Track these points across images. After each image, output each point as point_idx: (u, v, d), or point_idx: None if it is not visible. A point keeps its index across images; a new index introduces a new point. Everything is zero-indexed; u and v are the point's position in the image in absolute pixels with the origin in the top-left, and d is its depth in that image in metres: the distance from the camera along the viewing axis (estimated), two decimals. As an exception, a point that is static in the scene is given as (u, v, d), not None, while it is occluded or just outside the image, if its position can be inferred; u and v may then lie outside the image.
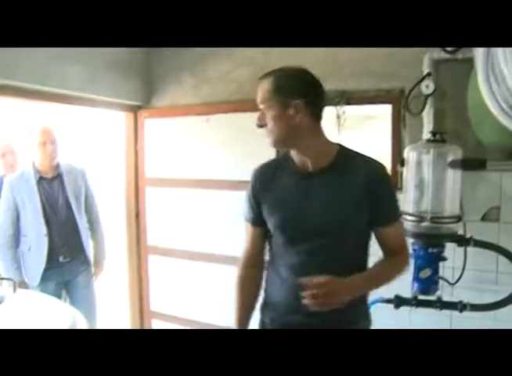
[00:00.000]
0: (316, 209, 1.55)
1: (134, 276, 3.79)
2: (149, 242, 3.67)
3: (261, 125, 1.58)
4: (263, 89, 1.55)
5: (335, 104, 2.90)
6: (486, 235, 2.45)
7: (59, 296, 3.01)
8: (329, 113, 3.00)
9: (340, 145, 1.64)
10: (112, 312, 4.02)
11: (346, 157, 1.58)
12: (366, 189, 1.52)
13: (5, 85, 2.62)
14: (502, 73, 1.21)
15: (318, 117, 1.57)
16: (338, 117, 2.93)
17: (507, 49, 1.20)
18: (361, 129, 3.02)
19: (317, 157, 1.57)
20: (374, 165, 1.59)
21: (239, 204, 3.17)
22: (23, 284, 2.89)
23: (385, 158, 2.99)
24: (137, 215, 3.69)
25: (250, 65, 3.17)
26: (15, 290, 2.04)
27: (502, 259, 2.41)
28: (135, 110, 3.63)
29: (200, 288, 3.45)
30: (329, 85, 2.88)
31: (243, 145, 3.15)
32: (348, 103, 2.86)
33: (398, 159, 2.55)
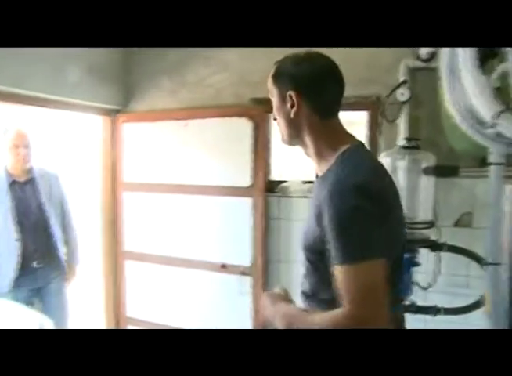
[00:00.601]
0: (306, 221, 1.37)
1: (110, 282, 3.75)
2: (125, 247, 3.65)
3: (275, 118, 1.40)
4: (269, 78, 1.37)
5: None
6: (459, 240, 2.50)
7: (31, 303, 2.97)
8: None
9: (351, 146, 1.30)
10: (88, 318, 3.97)
11: (338, 164, 1.26)
12: (319, 211, 1.22)
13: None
14: (465, 81, 1.24)
15: (322, 113, 1.31)
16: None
17: (467, 51, 1.24)
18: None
19: (319, 160, 1.33)
20: (336, 178, 1.21)
21: (216, 208, 3.21)
22: None
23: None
24: (114, 220, 3.66)
25: (227, 70, 3.19)
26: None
27: (474, 264, 2.46)
28: (112, 114, 3.60)
29: (177, 294, 3.43)
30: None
31: (220, 150, 3.17)
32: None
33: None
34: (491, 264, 1.99)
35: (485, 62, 1.90)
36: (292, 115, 1.30)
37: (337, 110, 1.34)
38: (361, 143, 1.34)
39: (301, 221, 2.99)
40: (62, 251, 3.13)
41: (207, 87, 3.27)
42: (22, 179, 3.04)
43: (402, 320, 1.45)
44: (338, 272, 1.14)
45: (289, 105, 1.30)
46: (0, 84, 2.64)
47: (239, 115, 3.07)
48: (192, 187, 3.31)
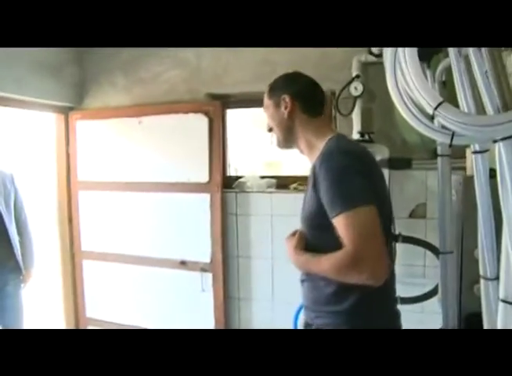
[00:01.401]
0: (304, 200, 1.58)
1: (68, 283, 3.68)
2: (83, 247, 3.58)
3: (270, 129, 1.67)
4: (264, 98, 1.66)
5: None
6: (414, 231, 2.55)
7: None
8: (261, 114, 3.04)
9: (336, 134, 1.54)
10: (47, 319, 3.90)
11: (325, 146, 1.47)
12: (314, 180, 1.41)
13: None
14: (407, 72, 1.27)
15: (311, 112, 1.59)
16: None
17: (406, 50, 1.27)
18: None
19: (311, 151, 1.57)
20: (323, 154, 1.43)
21: (174, 205, 3.19)
22: None
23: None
24: (70, 220, 3.59)
25: (181, 66, 3.16)
26: None
27: (429, 254, 2.52)
28: (65, 111, 3.52)
29: (138, 292, 3.40)
30: (261, 86, 2.94)
31: (176, 146, 3.14)
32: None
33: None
34: (441, 253, 2.04)
35: (430, 57, 1.96)
36: (286, 115, 1.57)
37: (322, 111, 1.62)
38: (343, 134, 1.60)
39: (258, 215, 3.01)
40: (18, 253, 3.05)
41: (161, 83, 3.23)
42: None
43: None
44: (337, 222, 1.31)
45: (283, 107, 1.57)
46: None
47: (195, 111, 3.05)
48: (148, 184, 3.27)
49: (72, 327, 3.69)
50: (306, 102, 1.58)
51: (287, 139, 1.62)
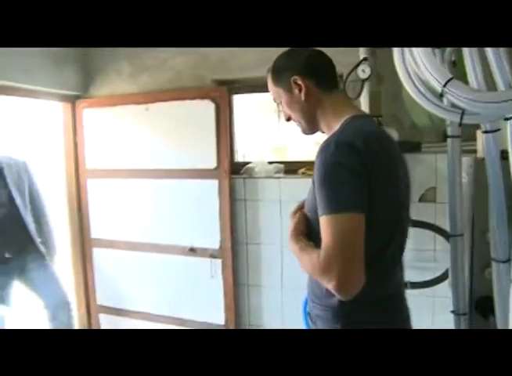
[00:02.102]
0: None
1: (79, 270, 3.71)
2: (92, 235, 3.59)
3: (288, 119, 1.53)
4: (269, 86, 1.52)
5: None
6: (424, 215, 2.53)
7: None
8: (268, 99, 3.01)
9: (354, 115, 1.39)
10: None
11: (338, 129, 1.35)
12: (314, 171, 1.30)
13: None
14: (417, 55, 1.24)
15: (326, 85, 1.43)
16: (278, 104, 2.94)
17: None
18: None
19: (329, 132, 1.41)
20: (324, 142, 1.29)
21: (182, 192, 3.18)
22: None
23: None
24: (79, 208, 3.60)
25: (187, 53, 3.14)
26: None
27: (440, 238, 2.50)
28: (72, 100, 3.52)
29: (147, 279, 3.41)
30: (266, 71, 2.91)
31: (183, 133, 3.13)
32: (288, 89, 2.88)
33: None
34: (451, 236, 2.02)
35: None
36: (303, 97, 1.40)
37: (336, 82, 1.47)
38: (366, 115, 1.45)
39: (266, 201, 2.99)
40: (37, 242, 3.08)
41: (167, 70, 3.21)
42: None
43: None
44: (320, 221, 1.20)
45: (297, 90, 1.40)
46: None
47: (201, 97, 3.03)
48: (156, 171, 3.27)
49: (83, 314, 3.72)
50: (318, 75, 1.43)
51: (312, 123, 1.47)
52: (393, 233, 1.33)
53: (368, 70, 2.49)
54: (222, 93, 3.02)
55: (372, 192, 1.20)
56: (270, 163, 3.10)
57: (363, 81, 2.52)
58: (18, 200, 2.98)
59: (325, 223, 1.18)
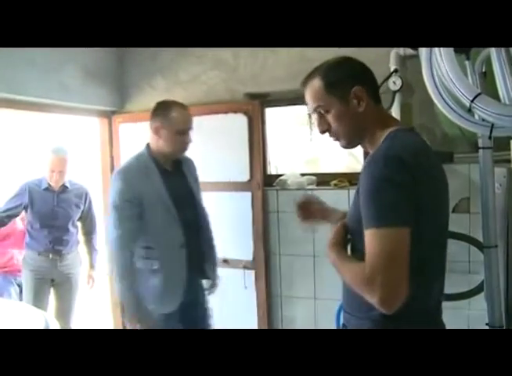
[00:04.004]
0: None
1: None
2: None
3: (324, 131, 1.42)
4: (313, 91, 1.39)
5: (306, 103, 2.94)
6: (458, 226, 2.50)
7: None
8: (300, 112, 3.04)
9: (400, 127, 1.36)
10: (95, 317, 4.01)
11: (384, 142, 1.32)
12: (359, 184, 1.28)
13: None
14: (441, 66, 1.25)
15: (378, 100, 1.41)
16: (310, 115, 2.95)
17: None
18: (333, 127, 3.06)
19: (372, 144, 1.38)
20: (371, 155, 1.28)
21: (216, 204, 3.22)
22: None
23: (357, 154, 3.04)
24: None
25: (219, 67, 3.20)
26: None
27: (474, 248, 2.46)
28: (109, 115, 3.62)
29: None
30: (298, 84, 2.94)
31: (216, 146, 3.18)
32: (319, 101, 2.89)
33: (369, 155, 2.59)
34: (485, 247, 2.00)
35: (469, 48, 1.91)
36: (362, 109, 1.34)
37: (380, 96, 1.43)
38: (412, 127, 1.40)
39: (298, 213, 3.00)
40: None
41: (200, 84, 3.28)
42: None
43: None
44: (365, 235, 1.19)
45: (355, 102, 1.34)
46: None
47: (234, 111, 3.09)
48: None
49: (119, 325, 3.78)
50: (373, 87, 1.40)
51: (358, 137, 1.41)
52: (436, 246, 1.32)
53: (399, 82, 2.49)
54: (255, 107, 3.07)
55: (418, 205, 1.20)
56: (302, 175, 3.12)
57: (394, 92, 2.53)
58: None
59: (371, 236, 1.17)
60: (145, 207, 2.30)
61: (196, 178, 2.62)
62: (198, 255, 2.49)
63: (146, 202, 2.30)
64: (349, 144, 1.43)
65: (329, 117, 1.38)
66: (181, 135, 2.37)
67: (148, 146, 2.43)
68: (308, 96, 1.42)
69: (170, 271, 2.34)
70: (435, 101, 1.38)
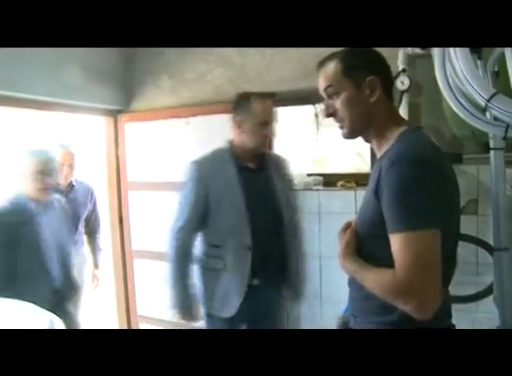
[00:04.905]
0: (363, 200, 1.39)
1: (120, 281, 3.77)
2: (133, 246, 3.66)
3: (330, 114, 1.39)
4: (328, 73, 1.36)
5: (313, 102, 2.92)
6: (466, 228, 2.47)
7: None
8: (307, 111, 3.02)
9: (410, 127, 1.34)
10: (100, 317, 4.00)
11: (398, 142, 1.29)
12: (377, 184, 1.24)
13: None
14: (456, 66, 1.23)
15: (391, 95, 1.38)
16: (316, 115, 2.95)
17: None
18: (340, 126, 3.04)
19: (381, 141, 1.36)
20: (392, 157, 1.23)
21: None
22: None
23: (365, 155, 3.02)
24: (121, 220, 3.68)
25: (226, 66, 3.19)
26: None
27: (482, 251, 2.44)
28: (114, 114, 3.62)
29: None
30: (306, 84, 2.91)
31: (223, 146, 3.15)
32: (327, 101, 2.87)
33: (377, 155, 2.56)
34: (496, 250, 1.98)
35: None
36: (373, 99, 1.32)
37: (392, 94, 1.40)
38: (420, 127, 1.38)
39: (305, 213, 2.97)
40: None
41: (206, 83, 3.27)
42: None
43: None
44: (394, 239, 1.16)
45: (368, 91, 1.32)
46: (2, 90, 2.65)
47: (241, 110, 3.06)
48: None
49: (124, 324, 3.78)
50: (389, 82, 1.38)
51: (363, 127, 1.38)
52: (451, 248, 1.29)
53: (407, 82, 2.47)
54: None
55: (441, 207, 1.17)
56: (309, 175, 3.10)
57: (402, 92, 2.50)
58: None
59: (402, 240, 1.14)
60: (213, 203, 2.25)
61: (286, 180, 2.46)
62: (269, 261, 2.31)
63: (216, 198, 2.25)
64: (353, 132, 1.39)
65: (338, 101, 1.35)
66: (263, 127, 2.24)
67: (231, 142, 2.37)
68: (321, 76, 1.39)
69: (232, 272, 2.25)
70: (448, 101, 1.36)
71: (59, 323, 1.86)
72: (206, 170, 2.30)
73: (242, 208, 2.22)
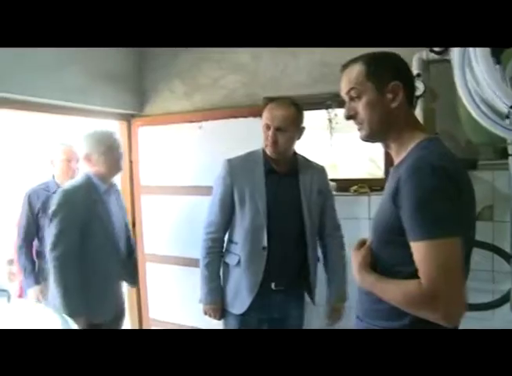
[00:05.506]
0: (379, 207, 1.41)
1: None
2: (146, 250, 3.66)
3: (351, 116, 1.41)
4: (351, 75, 1.38)
5: (326, 107, 2.91)
6: (481, 234, 2.45)
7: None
8: (320, 116, 3.01)
9: (429, 136, 1.35)
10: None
11: (416, 150, 1.31)
12: (395, 192, 1.25)
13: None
14: (477, 72, 1.21)
15: (410, 101, 1.40)
16: (330, 120, 2.94)
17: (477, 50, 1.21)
18: (353, 132, 3.01)
19: (399, 149, 1.38)
20: (412, 165, 1.24)
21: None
22: None
23: (378, 160, 3.00)
24: (133, 224, 3.69)
25: (239, 71, 3.19)
26: (9, 300, 2.03)
27: (498, 258, 2.41)
28: (128, 118, 3.64)
29: (198, 294, 3.43)
30: (320, 89, 2.90)
31: (236, 150, 3.14)
32: (340, 106, 2.85)
33: (391, 161, 2.53)
34: (513, 258, 1.95)
35: (500, 52, 1.86)
36: (395, 104, 1.33)
37: (413, 101, 1.43)
38: (438, 136, 1.37)
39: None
40: None
41: (220, 88, 3.27)
42: None
43: None
44: (417, 247, 1.17)
45: (391, 96, 1.33)
46: (15, 93, 2.68)
47: (254, 115, 3.06)
48: (209, 188, 3.26)
49: (136, 327, 3.79)
50: (410, 88, 1.39)
51: (382, 132, 1.38)
52: (467, 255, 1.30)
53: (422, 87, 2.44)
54: (274, 111, 3.04)
55: (461, 214, 1.19)
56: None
57: (417, 97, 2.48)
58: None
59: (425, 249, 1.15)
60: (238, 200, 2.32)
61: (318, 189, 2.41)
62: (288, 265, 2.35)
63: (240, 195, 2.32)
64: (371, 136, 1.40)
65: (360, 104, 1.37)
66: (266, 130, 2.29)
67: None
68: (344, 78, 1.40)
69: (246, 270, 2.31)
70: (468, 107, 1.34)
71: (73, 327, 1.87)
72: (235, 168, 2.38)
73: (262, 209, 2.27)
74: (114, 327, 2.70)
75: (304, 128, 2.34)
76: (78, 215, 2.44)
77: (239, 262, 2.33)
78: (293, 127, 2.26)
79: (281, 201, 2.33)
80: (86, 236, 2.46)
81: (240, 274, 2.33)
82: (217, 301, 2.42)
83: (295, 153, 2.43)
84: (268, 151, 2.32)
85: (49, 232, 2.44)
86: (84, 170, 2.65)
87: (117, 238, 2.67)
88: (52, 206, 2.45)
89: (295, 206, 2.33)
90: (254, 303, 2.31)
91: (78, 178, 2.63)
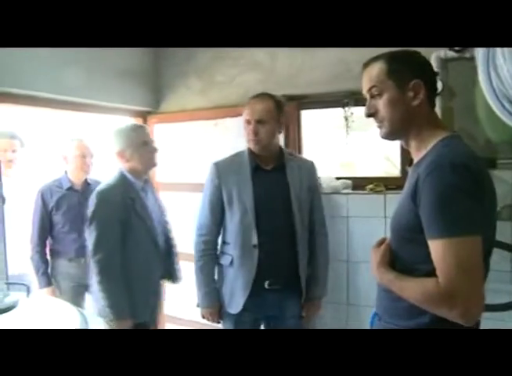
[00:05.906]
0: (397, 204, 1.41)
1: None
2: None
3: (371, 114, 1.41)
4: (372, 73, 1.39)
5: (343, 106, 2.90)
6: (500, 234, 2.41)
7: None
8: (336, 114, 3.00)
9: (449, 134, 1.34)
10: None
11: (437, 148, 1.30)
12: (415, 190, 1.25)
13: (14, 94, 2.67)
14: (503, 70, 1.19)
15: (434, 102, 1.40)
16: (346, 118, 2.92)
17: (506, 48, 1.19)
18: (369, 130, 3.00)
19: (419, 147, 1.37)
20: (432, 162, 1.23)
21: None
22: None
23: (394, 159, 2.98)
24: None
25: (256, 69, 3.19)
26: (28, 294, 2.03)
27: (517, 258, 2.38)
28: (144, 115, 3.66)
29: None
30: (336, 86, 2.89)
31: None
32: (357, 105, 2.84)
33: (407, 159, 2.52)
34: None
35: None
36: (416, 102, 1.33)
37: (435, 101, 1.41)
38: (459, 134, 1.37)
39: (334, 217, 2.95)
40: None
41: (236, 86, 3.27)
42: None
43: None
44: (435, 246, 1.17)
45: (412, 94, 1.33)
46: (33, 90, 2.70)
47: (270, 112, 3.05)
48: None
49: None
50: (434, 88, 1.39)
51: (402, 130, 1.38)
52: (488, 254, 1.30)
53: (440, 85, 2.42)
54: (291, 109, 3.04)
55: (481, 213, 1.18)
56: (338, 179, 3.07)
57: (435, 95, 2.46)
58: None
59: (444, 247, 1.15)
60: (226, 201, 2.35)
61: (307, 184, 2.42)
62: (280, 263, 2.34)
63: (228, 196, 2.35)
64: (391, 134, 1.41)
65: (381, 102, 1.37)
66: (248, 125, 2.34)
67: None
68: (366, 76, 1.41)
69: (238, 269, 2.33)
70: (492, 105, 1.32)
71: (94, 321, 1.87)
72: (222, 170, 2.39)
73: (250, 207, 2.29)
74: (152, 326, 2.66)
75: (283, 122, 2.39)
76: (117, 216, 2.38)
77: (232, 262, 2.35)
78: (273, 119, 2.30)
79: (270, 197, 2.34)
80: (126, 236, 2.41)
81: (234, 274, 2.35)
82: (213, 305, 2.43)
83: (281, 149, 2.45)
84: (252, 146, 2.34)
85: (89, 235, 2.39)
86: (118, 167, 2.58)
87: (156, 235, 2.61)
88: (90, 207, 2.40)
89: (284, 201, 2.34)
90: (248, 302, 2.31)
91: (112, 177, 2.55)
